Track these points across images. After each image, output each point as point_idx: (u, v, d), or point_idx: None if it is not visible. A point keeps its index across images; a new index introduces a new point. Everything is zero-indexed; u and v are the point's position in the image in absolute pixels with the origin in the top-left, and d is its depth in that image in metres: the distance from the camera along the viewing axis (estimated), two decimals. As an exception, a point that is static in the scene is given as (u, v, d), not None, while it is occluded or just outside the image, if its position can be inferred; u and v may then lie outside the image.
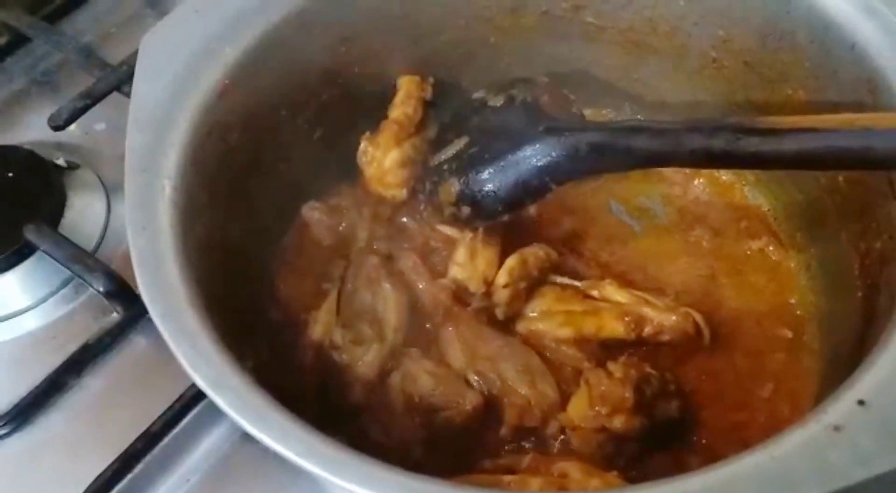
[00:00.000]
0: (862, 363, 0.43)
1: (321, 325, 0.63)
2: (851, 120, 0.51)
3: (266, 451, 0.43)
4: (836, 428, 0.40)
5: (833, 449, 0.39)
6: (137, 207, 0.50)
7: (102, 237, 0.80)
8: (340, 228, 0.70)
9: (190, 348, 0.44)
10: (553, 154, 0.62)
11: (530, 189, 0.64)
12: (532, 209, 0.70)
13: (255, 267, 0.66)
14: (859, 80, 0.57)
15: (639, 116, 0.77)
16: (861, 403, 0.41)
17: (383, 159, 0.67)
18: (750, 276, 0.69)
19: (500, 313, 0.65)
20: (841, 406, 0.41)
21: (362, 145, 0.68)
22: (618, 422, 0.56)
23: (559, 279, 0.68)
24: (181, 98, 0.56)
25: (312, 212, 0.71)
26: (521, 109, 0.66)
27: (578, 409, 0.58)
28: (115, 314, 0.73)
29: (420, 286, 0.66)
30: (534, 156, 0.62)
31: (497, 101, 0.68)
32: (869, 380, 0.42)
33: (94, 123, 0.88)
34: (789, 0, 0.61)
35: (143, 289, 0.47)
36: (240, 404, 0.43)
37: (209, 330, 0.47)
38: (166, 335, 0.45)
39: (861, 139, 0.50)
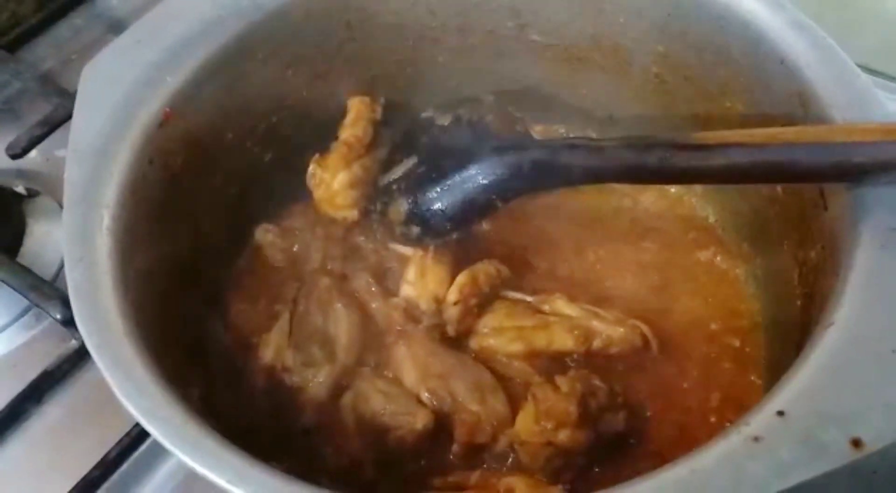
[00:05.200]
0: (785, 374, 0.44)
1: (272, 347, 0.63)
2: (777, 134, 0.53)
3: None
4: (756, 439, 0.41)
5: (752, 461, 0.40)
6: (74, 239, 0.50)
7: (62, 264, 0.81)
8: (294, 249, 0.71)
9: (125, 378, 0.45)
10: (497, 172, 0.63)
11: (477, 207, 0.65)
12: (484, 224, 0.71)
13: (207, 292, 0.66)
14: (790, 93, 0.58)
15: (590, 131, 0.78)
16: (780, 413, 0.41)
17: (332, 181, 0.67)
18: (699, 286, 0.70)
19: (451, 330, 0.65)
20: (761, 417, 0.42)
21: (311, 168, 0.69)
22: (563, 436, 0.57)
23: (511, 294, 0.68)
24: (121, 128, 0.56)
25: (266, 234, 0.71)
26: (468, 128, 0.68)
27: (525, 424, 0.58)
28: (73, 342, 0.74)
29: (373, 306, 0.67)
30: (479, 174, 0.63)
31: (444, 120, 0.69)
32: (789, 390, 0.43)
33: (54, 150, 0.88)
34: (723, 16, 0.62)
35: (79, 321, 0.47)
36: (172, 433, 0.43)
37: (147, 360, 0.47)
38: (101, 366, 0.45)
39: (786, 153, 0.51)
